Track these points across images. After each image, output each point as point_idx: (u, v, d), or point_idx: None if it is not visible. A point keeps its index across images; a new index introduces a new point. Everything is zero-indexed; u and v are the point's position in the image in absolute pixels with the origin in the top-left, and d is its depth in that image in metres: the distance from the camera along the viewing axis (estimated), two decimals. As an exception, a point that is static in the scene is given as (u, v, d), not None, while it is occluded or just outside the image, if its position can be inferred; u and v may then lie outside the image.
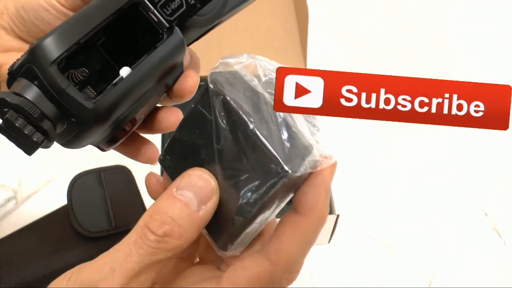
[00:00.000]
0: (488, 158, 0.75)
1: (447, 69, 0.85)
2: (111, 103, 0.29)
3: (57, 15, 0.33)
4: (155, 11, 0.30)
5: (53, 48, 0.27)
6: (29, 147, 0.27)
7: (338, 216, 0.59)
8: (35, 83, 0.27)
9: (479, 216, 0.69)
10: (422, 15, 0.93)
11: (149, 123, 0.35)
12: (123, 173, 0.56)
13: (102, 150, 0.34)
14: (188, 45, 0.34)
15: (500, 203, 0.70)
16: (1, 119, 0.27)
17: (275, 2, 0.80)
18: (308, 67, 0.73)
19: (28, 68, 0.27)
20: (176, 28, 0.30)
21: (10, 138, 0.27)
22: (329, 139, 0.72)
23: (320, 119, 0.28)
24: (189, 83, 0.33)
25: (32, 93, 0.27)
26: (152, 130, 0.36)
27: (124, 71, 0.29)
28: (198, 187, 0.25)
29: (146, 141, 0.37)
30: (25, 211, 0.66)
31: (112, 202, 0.53)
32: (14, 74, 0.28)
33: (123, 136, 0.33)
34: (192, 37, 0.34)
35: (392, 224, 0.68)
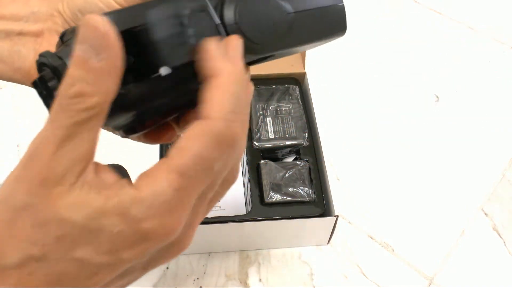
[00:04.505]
0: (488, 158, 0.75)
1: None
2: (140, 95, 0.28)
3: None
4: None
5: None
6: None
7: (337, 217, 0.59)
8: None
9: (479, 216, 0.69)
10: (421, 16, 0.93)
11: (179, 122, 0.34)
12: (119, 172, 0.56)
13: (122, 136, 0.34)
14: None
15: (500, 203, 0.70)
16: (39, 73, 0.27)
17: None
18: (308, 67, 0.73)
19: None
20: None
21: (40, 95, 0.27)
22: (329, 139, 0.72)
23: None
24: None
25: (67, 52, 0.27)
26: (178, 129, 0.35)
27: (164, 70, 0.29)
28: (91, 37, 0.23)
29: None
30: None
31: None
32: (64, 39, 0.29)
33: (141, 130, 0.33)
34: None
35: (392, 224, 0.68)
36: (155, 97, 0.30)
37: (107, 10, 0.32)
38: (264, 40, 0.33)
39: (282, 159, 0.68)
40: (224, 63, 0.27)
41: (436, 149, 0.75)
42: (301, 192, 0.61)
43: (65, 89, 0.24)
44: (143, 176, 0.25)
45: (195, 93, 0.30)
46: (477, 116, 0.79)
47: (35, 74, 0.34)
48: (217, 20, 0.31)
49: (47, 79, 0.27)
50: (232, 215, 0.60)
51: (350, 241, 0.66)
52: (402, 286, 0.63)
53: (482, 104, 0.81)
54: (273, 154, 0.67)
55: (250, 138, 0.66)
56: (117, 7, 0.31)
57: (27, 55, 0.34)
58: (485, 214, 0.69)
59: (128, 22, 0.27)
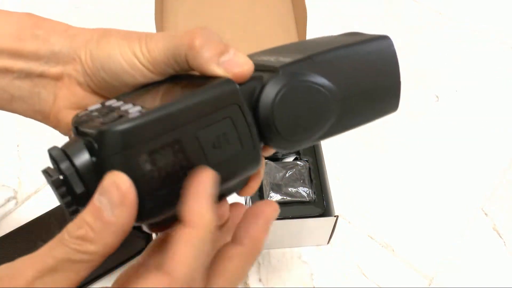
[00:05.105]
0: (488, 158, 0.75)
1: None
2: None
3: (142, 79, 0.31)
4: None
5: (119, 146, 0.26)
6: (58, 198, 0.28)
7: (337, 217, 0.59)
8: (92, 159, 0.26)
9: (479, 216, 0.69)
10: (421, 16, 0.93)
11: None
12: None
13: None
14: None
15: (500, 203, 0.70)
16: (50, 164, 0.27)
17: (274, 2, 0.80)
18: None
19: (92, 144, 0.26)
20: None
21: (47, 181, 0.27)
22: (329, 139, 0.72)
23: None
24: (250, 192, 0.33)
25: (81, 160, 0.26)
26: None
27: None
28: (111, 193, 0.25)
29: None
30: (25, 211, 0.66)
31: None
32: (79, 132, 0.28)
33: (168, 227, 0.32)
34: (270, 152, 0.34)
35: (392, 224, 0.68)
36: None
37: (130, 70, 0.31)
38: (300, 138, 0.31)
39: (282, 159, 0.68)
40: (200, 213, 0.26)
41: (436, 149, 0.75)
42: (301, 192, 0.61)
43: (72, 228, 0.25)
44: None
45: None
46: (477, 116, 0.79)
47: (55, 121, 0.34)
48: (249, 120, 0.29)
49: (50, 177, 0.27)
50: (232, 215, 0.60)
51: (350, 241, 0.66)
52: (402, 286, 0.63)
53: (482, 104, 0.81)
54: (273, 154, 0.67)
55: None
56: (140, 67, 0.31)
57: (47, 98, 0.34)
58: (485, 214, 0.69)
59: (155, 140, 0.26)
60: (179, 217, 0.27)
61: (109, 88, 0.33)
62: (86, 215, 0.25)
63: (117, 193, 0.25)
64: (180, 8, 0.76)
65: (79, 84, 0.33)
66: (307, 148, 0.65)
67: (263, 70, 0.30)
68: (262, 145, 0.31)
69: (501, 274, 0.64)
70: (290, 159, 0.67)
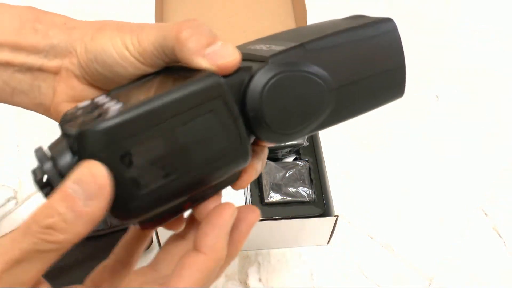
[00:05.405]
0: (488, 158, 0.75)
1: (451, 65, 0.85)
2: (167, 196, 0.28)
3: (133, 71, 0.31)
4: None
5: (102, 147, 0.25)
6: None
7: (337, 217, 0.59)
8: (75, 159, 0.26)
9: (479, 216, 0.69)
10: (424, 16, 0.93)
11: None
12: None
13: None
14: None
15: (500, 203, 0.70)
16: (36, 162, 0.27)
17: (273, 2, 0.80)
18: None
19: (74, 144, 0.26)
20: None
21: (33, 180, 0.27)
22: (329, 139, 0.72)
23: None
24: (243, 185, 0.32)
25: (64, 161, 0.26)
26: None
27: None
28: (88, 183, 0.24)
29: None
30: (25, 211, 0.66)
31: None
32: (63, 131, 0.28)
33: (158, 224, 0.31)
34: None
35: (392, 224, 0.68)
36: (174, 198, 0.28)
37: (121, 62, 0.30)
38: (292, 131, 0.29)
39: (282, 159, 0.68)
40: (223, 246, 0.28)
41: (436, 149, 0.75)
42: (301, 192, 0.61)
43: (40, 217, 0.24)
44: None
45: (210, 190, 0.29)
46: (477, 116, 0.79)
47: (55, 114, 0.34)
48: (235, 113, 0.27)
49: (35, 176, 0.27)
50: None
51: (350, 241, 0.66)
52: (402, 286, 0.63)
53: (482, 104, 0.81)
54: (273, 154, 0.67)
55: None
56: (131, 59, 0.31)
57: (47, 91, 0.34)
58: (485, 214, 0.69)
59: (140, 134, 0.25)
60: (194, 241, 0.27)
61: (104, 80, 0.33)
62: (57, 203, 0.24)
63: (94, 184, 0.24)
64: (180, 8, 0.76)
65: (76, 77, 0.33)
66: (307, 148, 0.65)
67: (253, 60, 0.29)
68: (252, 138, 0.30)
69: (501, 274, 0.64)
70: (290, 159, 0.67)
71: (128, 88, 0.31)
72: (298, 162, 0.64)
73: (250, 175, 0.32)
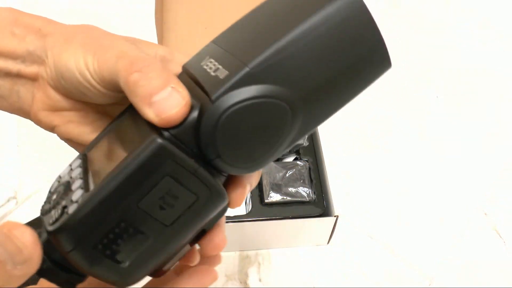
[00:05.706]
0: (488, 158, 0.75)
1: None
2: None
3: (98, 94, 0.30)
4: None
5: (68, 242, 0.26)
6: None
7: (337, 217, 0.59)
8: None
9: (479, 216, 0.69)
10: (424, 16, 0.93)
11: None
12: None
13: None
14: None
15: (500, 203, 0.70)
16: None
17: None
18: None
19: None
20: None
21: None
22: (329, 139, 0.72)
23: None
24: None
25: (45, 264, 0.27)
26: None
27: None
28: (12, 249, 0.24)
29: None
30: (25, 211, 0.66)
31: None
32: (44, 222, 0.28)
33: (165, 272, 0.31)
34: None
35: (392, 224, 0.68)
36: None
37: (85, 83, 0.30)
38: (262, 160, 0.27)
39: (282, 159, 0.68)
40: None
41: (436, 149, 0.75)
42: (301, 192, 0.61)
43: None
44: None
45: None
46: (477, 116, 0.79)
47: (36, 120, 0.34)
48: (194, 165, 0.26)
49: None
50: (232, 215, 0.60)
51: (350, 241, 0.66)
52: (402, 286, 0.63)
53: (482, 104, 0.81)
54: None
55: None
56: (92, 82, 0.29)
57: (26, 97, 0.33)
58: (485, 214, 0.69)
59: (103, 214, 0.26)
60: None
61: (73, 95, 0.32)
62: None
63: (22, 251, 0.24)
64: (180, 8, 0.76)
65: (51, 87, 0.32)
66: (307, 148, 0.65)
67: (203, 89, 0.26)
68: (224, 176, 0.28)
69: (501, 274, 0.64)
70: (290, 159, 0.67)
71: (97, 145, 0.31)
72: (298, 162, 0.64)
73: (241, 193, 0.30)
